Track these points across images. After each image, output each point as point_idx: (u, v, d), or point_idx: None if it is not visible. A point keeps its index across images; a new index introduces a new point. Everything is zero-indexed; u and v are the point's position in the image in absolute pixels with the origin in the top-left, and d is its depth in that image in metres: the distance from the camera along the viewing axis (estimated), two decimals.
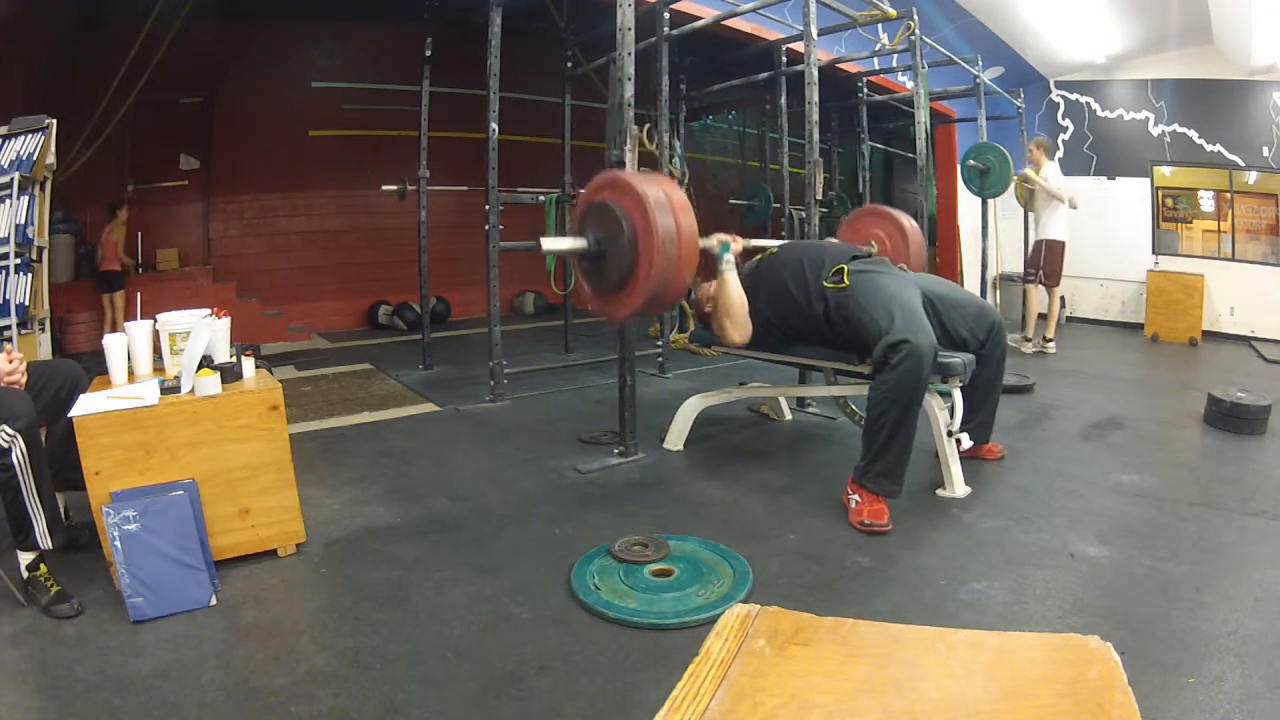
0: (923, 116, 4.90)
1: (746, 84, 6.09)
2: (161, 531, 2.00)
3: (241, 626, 1.98)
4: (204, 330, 2.26)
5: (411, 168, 5.31)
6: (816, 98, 3.92)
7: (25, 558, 2.02)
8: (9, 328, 3.06)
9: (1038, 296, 6.03)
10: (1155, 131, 7.23)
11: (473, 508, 2.81)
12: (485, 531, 2.60)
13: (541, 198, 4.95)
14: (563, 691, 1.71)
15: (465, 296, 7.52)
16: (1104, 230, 7.29)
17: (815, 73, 3.91)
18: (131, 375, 2.36)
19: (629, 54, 3.11)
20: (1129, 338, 6.95)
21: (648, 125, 3.38)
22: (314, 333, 7.10)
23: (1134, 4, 6.22)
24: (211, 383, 2.19)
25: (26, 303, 3.18)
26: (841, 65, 6.15)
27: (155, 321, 2.40)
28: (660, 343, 5.04)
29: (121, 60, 5.74)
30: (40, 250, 3.32)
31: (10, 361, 2.10)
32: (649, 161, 3.38)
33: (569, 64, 5.72)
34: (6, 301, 3.08)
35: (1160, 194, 7.29)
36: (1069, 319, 7.59)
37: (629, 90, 3.10)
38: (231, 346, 2.42)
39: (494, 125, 4.18)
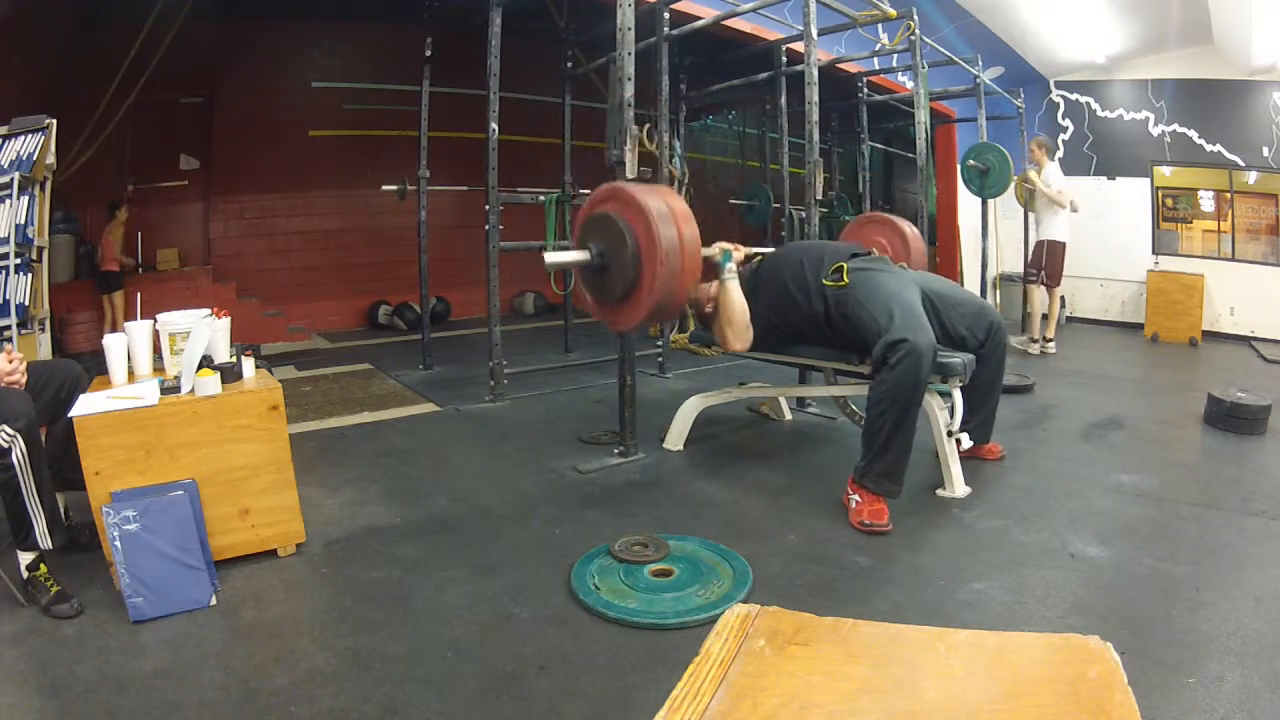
0: (923, 116, 4.90)
1: (746, 84, 6.08)
2: (161, 531, 2.00)
3: (241, 626, 1.98)
4: (204, 330, 2.26)
5: (411, 168, 5.31)
6: (816, 98, 3.92)
7: (25, 558, 2.02)
8: (9, 328, 3.06)
9: (1040, 297, 6.03)
10: (1155, 131, 7.23)
11: (473, 508, 2.81)
12: (485, 531, 2.60)
13: (541, 198, 4.95)
14: (563, 691, 1.71)
15: (465, 296, 7.52)
16: (1104, 230, 7.29)
17: (815, 73, 3.91)
18: (131, 375, 2.36)
19: (629, 54, 3.11)
20: (1129, 338, 6.95)
21: (648, 125, 3.37)
22: (314, 333, 7.10)
23: (1134, 4, 6.22)
24: (211, 383, 2.19)
25: (26, 303, 3.17)
26: (841, 65, 6.15)
27: (155, 321, 2.40)
28: (660, 343, 5.04)
29: (121, 60, 5.74)
30: (40, 250, 3.32)
31: (10, 361, 2.10)
32: (649, 161, 3.38)
33: (569, 64, 5.71)
34: (6, 301, 3.08)
35: (1160, 194, 7.29)
36: (1069, 319, 7.59)
37: (629, 90, 3.09)
38: (231, 346, 2.42)
39: (494, 125, 4.19)
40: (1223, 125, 6.81)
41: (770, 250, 3.35)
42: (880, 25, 4.93)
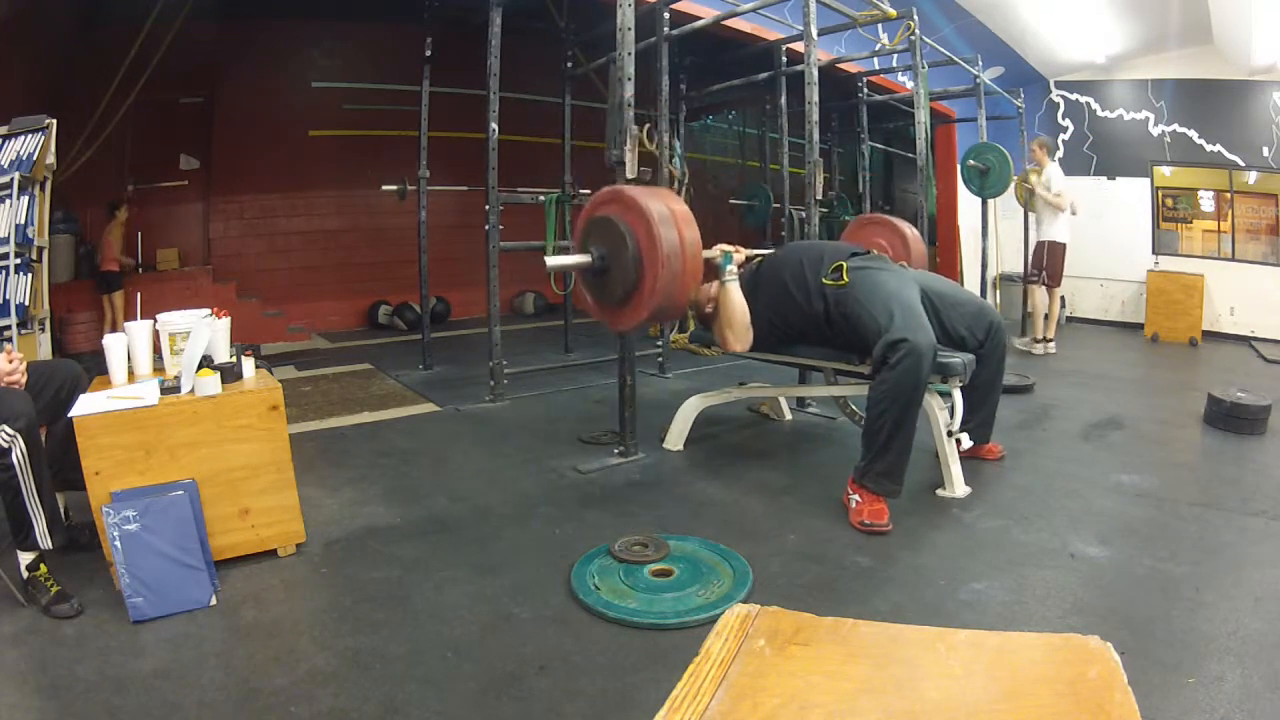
0: (923, 116, 4.90)
1: (746, 84, 6.08)
2: (161, 531, 2.00)
3: (241, 626, 1.98)
4: (204, 330, 2.26)
5: (411, 168, 5.31)
6: (816, 98, 3.92)
7: (25, 558, 2.02)
8: (9, 328, 3.06)
9: (1041, 298, 6.04)
10: (1155, 131, 7.23)
11: (473, 508, 2.81)
12: (485, 531, 2.60)
13: (541, 198, 4.96)
14: (563, 691, 1.71)
15: (465, 296, 7.52)
16: (1104, 230, 7.29)
17: (815, 73, 3.91)
18: (131, 375, 2.36)
19: (629, 54, 3.11)
20: (1129, 338, 6.95)
21: (648, 125, 3.37)
22: (314, 333, 7.10)
23: (1134, 4, 6.22)
24: (211, 383, 2.19)
25: (26, 303, 3.17)
26: (841, 65, 6.15)
27: (155, 321, 2.40)
28: (660, 343, 5.04)
29: (121, 60, 5.74)
30: (40, 250, 3.32)
31: (10, 361, 2.10)
32: (649, 161, 3.38)
33: (569, 64, 5.71)
34: (6, 301, 3.08)
35: (1160, 194, 7.29)
36: (1069, 319, 7.59)
37: (629, 90, 3.09)
38: (231, 346, 2.42)
39: (494, 125, 4.19)
40: (1223, 125, 6.81)
41: (770, 251, 3.35)
42: (880, 25, 4.93)
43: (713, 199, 8.47)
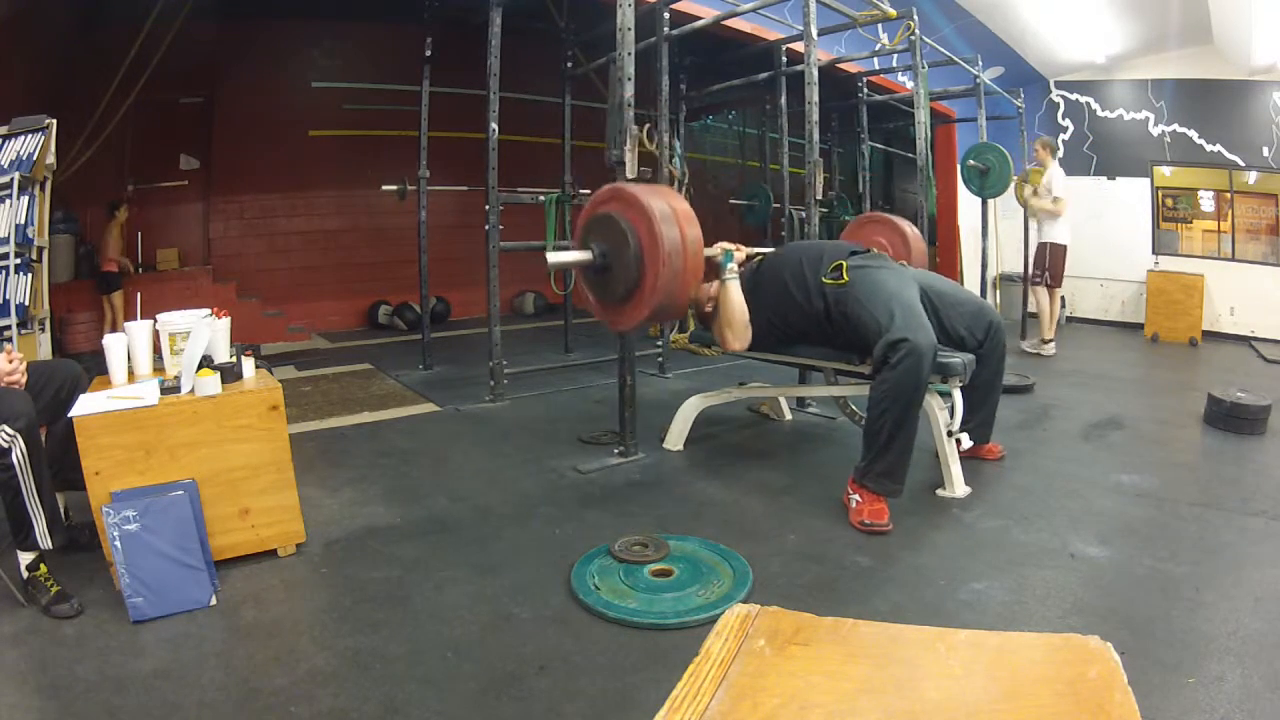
0: (923, 116, 4.90)
1: (746, 84, 6.09)
2: (161, 531, 2.00)
3: (241, 626, 1.98)
4: (204, 330, 2.26)
5: (411, 168, 5.31)
6: (816, 98, 3.92)
7: (25, 558, 2.02)
8: (9, 328, 3.06)
9: (1044, 298, 6.03)
10: (1155, 131, 7.23)
11: (473, 508, 2.81)
12: (485, 531, 2.60)
13: (541, 198, 4.95)
14: (563, 691, 1.71)
15: (465, 296, 7.52)
16: (1104, 230, 7.29)
17: (815, 73, 3.91)
18: (131, 375, 2.36)
19: (629, 54, 3.11)
20: (1129, 338, 6.95)
21: (648, 125, 3.37)
22: (314, 333, 7.10)
23: (1134, 4, 6.22)
24: (211, 383, 2.19)
25: (26, 303, 3.17)
26: (841, 65, 6.15)
27: (155, 321, 2.40)
28: (660, 343, 5.04)
29: (121, 60, 5.74)
30: (40, 250, 3.32)
31: (10, 361, 2.10)
32: (649, 161, 3.38)
33: (569, 64, 5.71)
34: (6, 301, 3.08)
35: (1160, 194, 7.29)
36: (1069, 319, 7.59)
37: (629, 90, 3.09)
38: (231, 346, 2.42)
39: (494, 125, 4.19)
40: (1223, 125, 6.81)
41: (770, 250, 3.35)
42: (880, 25, 4.93)
43: (713, 199, 8.47)
